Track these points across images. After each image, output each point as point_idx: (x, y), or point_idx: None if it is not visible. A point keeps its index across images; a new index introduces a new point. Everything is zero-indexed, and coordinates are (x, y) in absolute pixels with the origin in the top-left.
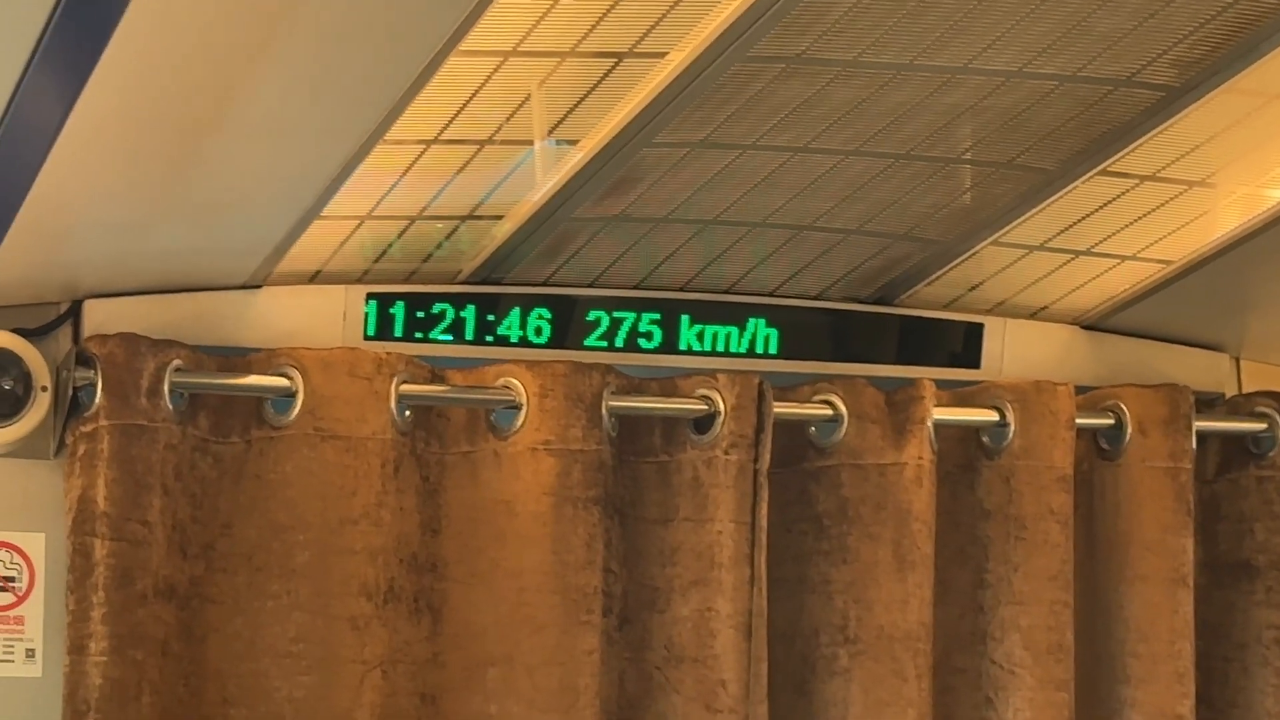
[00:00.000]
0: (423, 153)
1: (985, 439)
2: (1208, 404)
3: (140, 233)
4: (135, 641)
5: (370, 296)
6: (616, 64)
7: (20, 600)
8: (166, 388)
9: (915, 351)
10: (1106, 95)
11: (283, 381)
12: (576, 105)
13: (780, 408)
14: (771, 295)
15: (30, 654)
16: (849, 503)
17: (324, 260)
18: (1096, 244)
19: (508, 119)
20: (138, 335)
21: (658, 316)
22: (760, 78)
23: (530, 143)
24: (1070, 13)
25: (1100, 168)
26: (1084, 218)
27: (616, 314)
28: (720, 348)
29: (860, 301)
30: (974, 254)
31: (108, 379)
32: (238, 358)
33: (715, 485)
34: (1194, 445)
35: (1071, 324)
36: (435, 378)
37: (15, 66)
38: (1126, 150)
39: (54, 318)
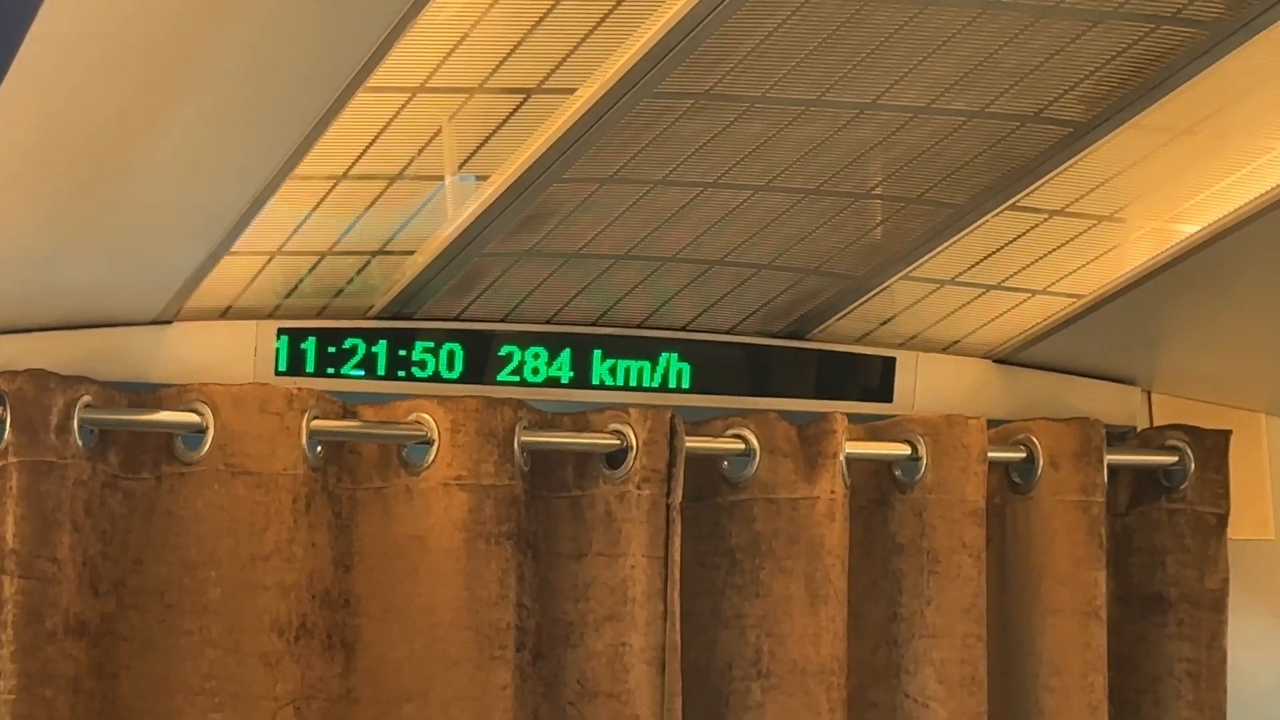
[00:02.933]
0: (333, 188)
1: (898, 473)
2: (1119, 437)
3: (48, 268)
4: (45, 679)
5: (281, 332)
6: (525, 100)
7: None
8: (76, 424)
9: (828, 385)
10: (1014, 131)
11: (193, 417)
12: (486, 141)
13: (692, 442)
14: (684, 330)
15: None
16: (761, 537)
17: (234, 296)
18: (1007, 278)
19: (418, 154)
20: (46, 371)
21: (570, 351)
22: (669, 113)
23: (441, 178)
24: (976, 49)
25: (1009, 203)
26: (994, 252)
27: (529, 349)
28: (633, 382)
29: (772, 336)
30: (885, 288)
31: (16, 415)
32: (148, 394)
33: (628, 520)
34: (1105, 478)
35: (983, 358)
36: (347, 413)
37: None
38: (1035, 185)
39: None
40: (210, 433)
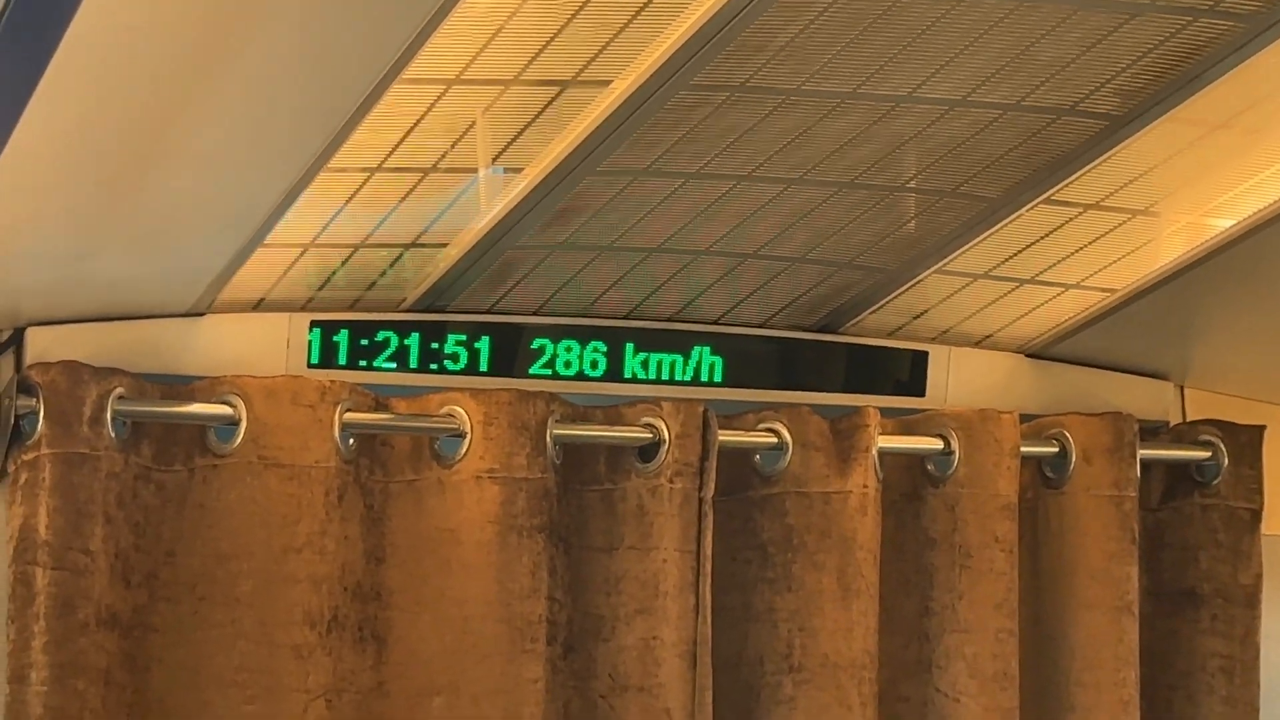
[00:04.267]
0: (366, 180)
1: (930, 467)
2: (1152, 432)
3: (83, 261)
4: (77, 671)
5: (314, 324)
6: (560, 92)
7: None
8: (109, 416)
9: (860, 379)
10: (1050, 124)
11: (226, 409)
12: (520, 133)
13: (725, 435)
14: (716, 323)
15: None
16: (794, 531)
17: (267, 288)
18: (1040, 272)
19: (451, 147)
20: (80, 363)
21: (602, 344)
22: (704, 106)
23: (474, 171)
24: (1013, 42)
25: (1044, 196)
26: (1028, 246)
27: (561, 342)
28: (665, 376)
29: (805, 329)
30: (918, 282)
31: (50, 407)
32: (181, 386)
33: (660, 513)
34: (1138, 473)
35: (1016, 352)
36: (379, 406)
37: None
38: (1070, 179)
39: None
40: (243, 425)
